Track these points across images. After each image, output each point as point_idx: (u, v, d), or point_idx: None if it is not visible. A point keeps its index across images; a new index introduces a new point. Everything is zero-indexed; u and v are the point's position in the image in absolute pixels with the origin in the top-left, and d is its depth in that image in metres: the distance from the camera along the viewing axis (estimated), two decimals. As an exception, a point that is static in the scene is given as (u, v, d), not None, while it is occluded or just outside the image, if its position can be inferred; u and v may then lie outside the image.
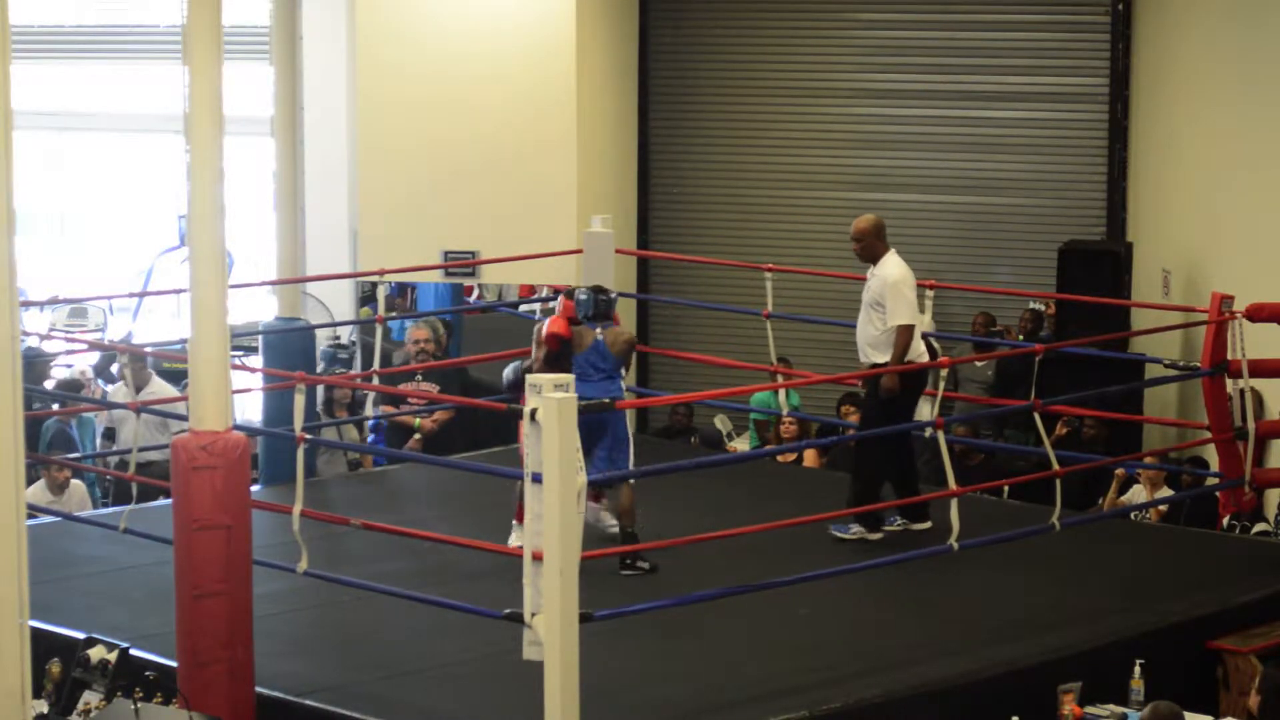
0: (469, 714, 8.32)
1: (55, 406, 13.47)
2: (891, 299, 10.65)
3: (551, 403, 7.63)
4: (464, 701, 8.43)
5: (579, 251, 13.69)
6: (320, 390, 13.02)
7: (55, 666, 8.49)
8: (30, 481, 11.39)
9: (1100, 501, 12.55)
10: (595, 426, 9.98)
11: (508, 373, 11.28)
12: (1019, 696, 8.62)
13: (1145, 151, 15.02)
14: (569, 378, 7.98)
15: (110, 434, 13.78)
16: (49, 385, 14.20)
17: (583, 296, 10.49)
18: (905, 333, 10.64)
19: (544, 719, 7.64)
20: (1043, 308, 15.09)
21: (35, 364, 14.26)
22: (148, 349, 13.40)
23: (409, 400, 13.33)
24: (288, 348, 12.47)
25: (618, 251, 13.33)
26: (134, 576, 10.27)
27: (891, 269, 10.75)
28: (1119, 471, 12.38)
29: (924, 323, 12.94)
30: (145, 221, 21.51)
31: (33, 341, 13.56)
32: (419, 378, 13.67)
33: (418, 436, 13.44)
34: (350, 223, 15.99)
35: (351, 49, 15.66)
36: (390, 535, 9.82)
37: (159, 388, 13.40)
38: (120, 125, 22.33)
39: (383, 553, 10.25)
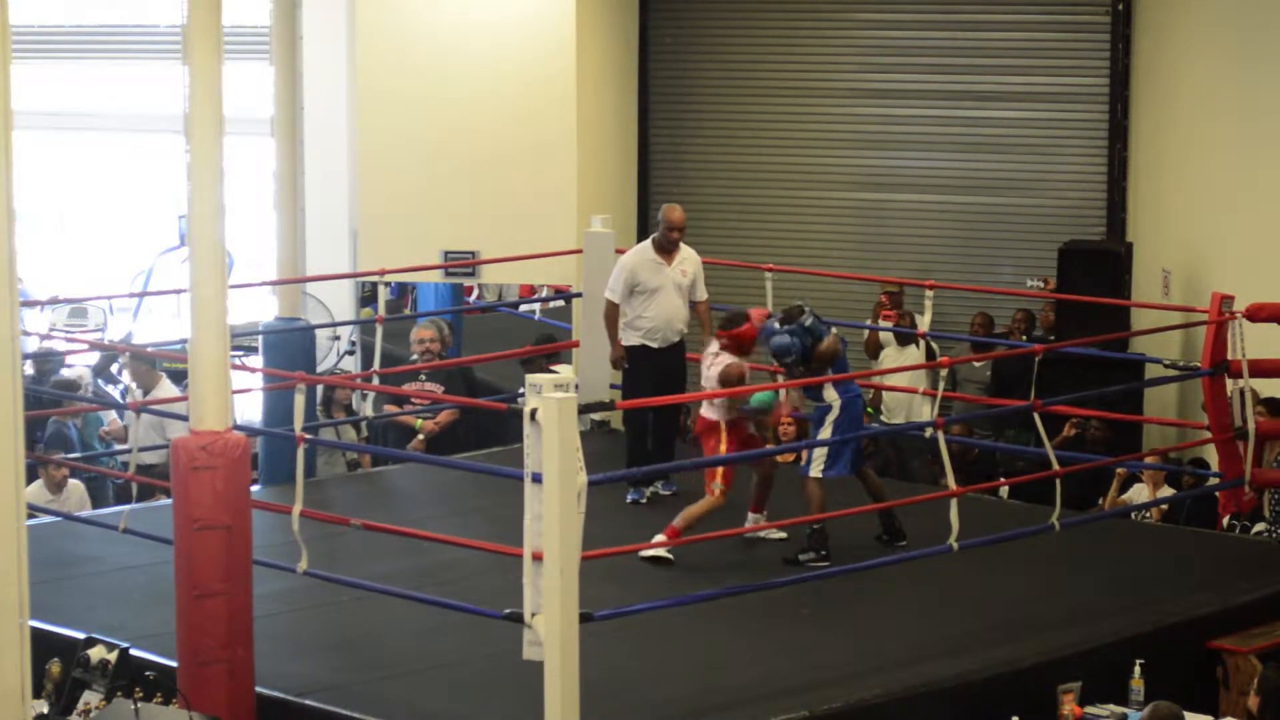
0: (469, 714, 8.32)
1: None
2: (701, 278, 11.80)
3: (552, 403, 7.63)
4: (464, 701, 8.43)
5: (579, 251, 13.69)
6: (320, 390, 13.01)
7: (55, 666, 8.50)
8: (28, 481, 11.39)
9: (1101, 501, 12.55)
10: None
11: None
12: (1019, 696, 8.62)
13: (1145, 151, 15.02)
14: (570, 378, 7.96)
15: (123, 430, 13.77)
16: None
17: (808, 322, 10.61)
18: (708, 305, 11.89)
19: (544, 719, 7.65)
20: (1041, 286, 15.03)
21: (43, 366, 14.28)
22: (148, 349, 13.39)
23: (412, 400, 13.32)
24: (288, 348, 12.47)
25: (618, 251, 13.30)
26: (134, 576, 10.27)
27: (693, 252, 11.88)
28: (1120, 470, 12.38)
29: (924, 323, 13.00)
30: (145, 221, 21.51)
31: (34, 343, 13.55)
32: (423, 377, 13.66)
33: (420, 438, 13.43)
34: (350, 223, 15.98)
35: (351, 49, 15.66)
36: (390, 535, 9.82)
37: (168, 390, 13.36)
38: (120, 125, 22.34)
39: (383, 553, 10.24)
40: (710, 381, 10.64)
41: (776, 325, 10.62)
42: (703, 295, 11.87)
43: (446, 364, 13.83)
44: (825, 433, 10.52)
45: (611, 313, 11.81)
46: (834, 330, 10.75)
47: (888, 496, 10.70)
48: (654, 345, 11.65)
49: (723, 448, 10.48)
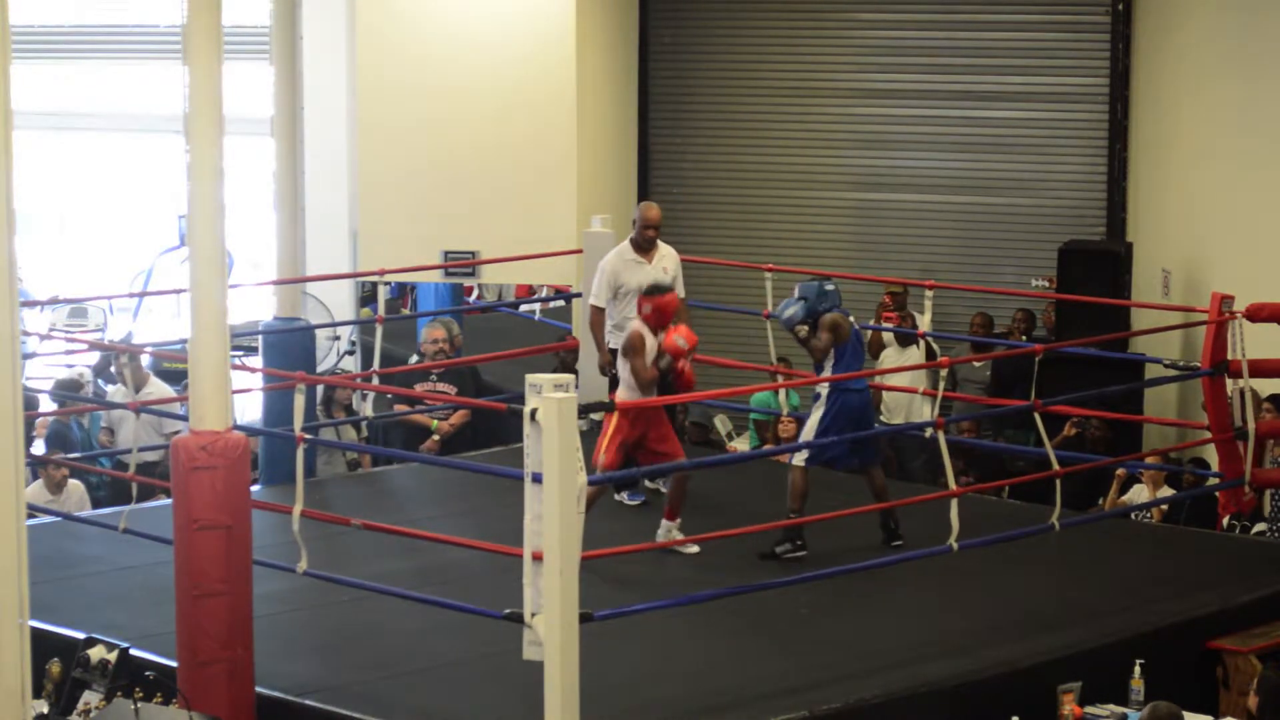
0: (469, 714, 8.32)
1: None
2: (680, 275, 11.65)
3: (552, 403, 7.63)
4: (464, 701, 8.43)
5: (579, 251, 13.69)
6: (320, 390, 13.02)
7: (55, 666, 8.51)
8: (28, 481, 11.38)
9: (1101, 501, 12.56)
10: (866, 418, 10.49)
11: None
12: (1019, 696, 8.62)
13: (1145, 151, 15.02)
14: (569, 377, 7.96)
15: (108, 433, 13.76)
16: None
17: (830, 287, 10.60)
18: (685, 302, 11.71)
19: (544, 719, 7.65)
20: (1046, 286, 15.03)
21: None
22: (147, 349, 13.41)
23: (423, 401, 13.31)
24: (288, 348, 12.47)
25: (618, 251, 13.31)
26: (134, 576, 10.26)
27: (672, 249, 11.77)
28: (1120, 471, 12.38)
29: (925, 323, 13.00)
30: (145, 221, 21.52)
31: (33, 343, 13.54)
32: (434, 378, 13.65)
33: (435, 438, 13.44)
34: (350, 223, 15.99)
35: (351, 49, 15.67)
36: (390, 535, 9.82)
37: (156, 389, 13.40)
38: (120, 125, 22.35)
39: (383, 553, 10.25)
40: (619, 361, 10.67)
41: (811, 281, 10.65)
42: (681, 293, 11.71)
43: (448, 364, 13.83)
44: (810, 422, 10.51)
45: (597, 318, 11.68)
46: (851, 318, 10.69)
47: (889, 498, 10.68)
48: None
49: (605, 438, 10.21)
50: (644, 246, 11.67)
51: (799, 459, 10.45)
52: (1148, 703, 8.05)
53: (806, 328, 10.53)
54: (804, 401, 14.75)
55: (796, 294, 10.65)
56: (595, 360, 11.87)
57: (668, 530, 10.50)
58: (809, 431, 10.51)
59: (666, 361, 10.41)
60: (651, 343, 10.46)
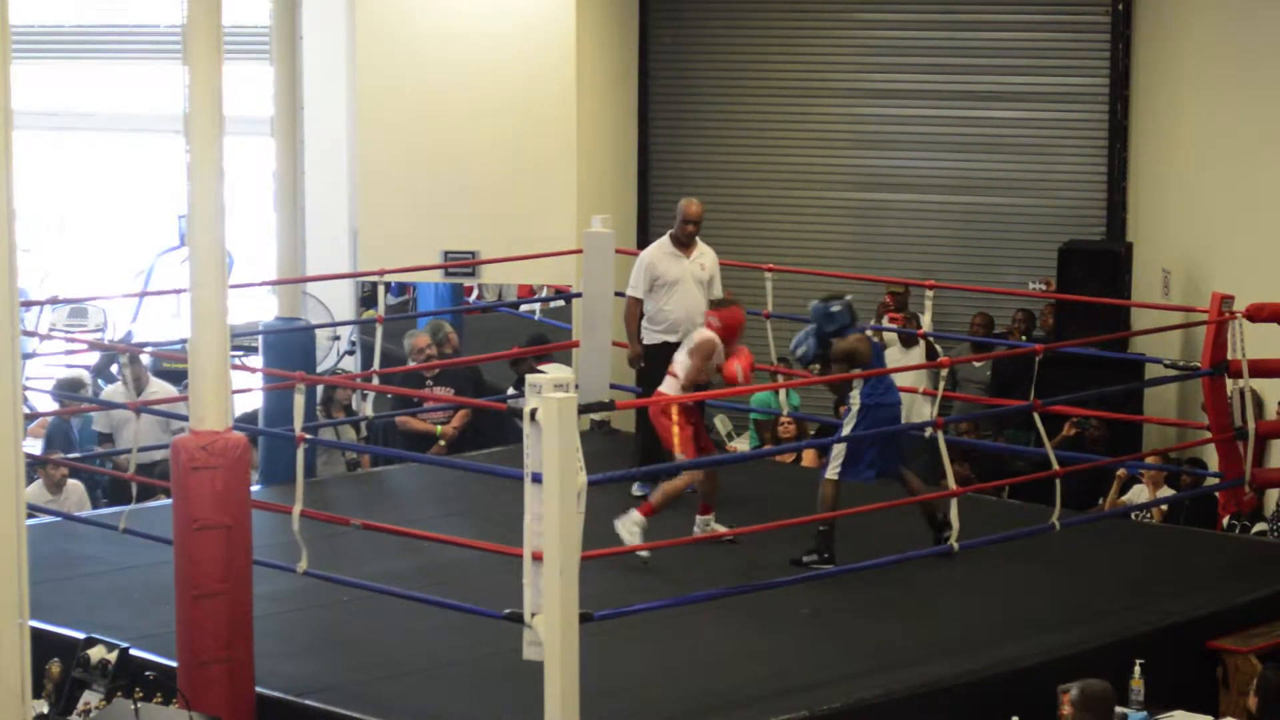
0: (469, 714, 8.32)
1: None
2: (718, 277, 11.76)
3: (552, 403, 7.63)
4: (464, 701, 8.43)
5: (579, 251, 13.68)
6: (320, 389, 13.01)
7: (55, 666, 8.50)
8: (27, 481, 11.36)
9: (1101, 501, 12.56)
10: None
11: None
12: (1019, 696, 8.62)
13: (1145, 151, 15.02)
14: (570, 377, 7.95)
15: (108, 439, 13.72)
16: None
17: (836, 308, 10.55)
18: None
19: (544, 719, 7.65)
20: (1043, 289, 15.03)
21: None
22: (147, 349, 13.39)
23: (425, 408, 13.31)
24: (288, 348, 12.47)
25: (618, 251, 13.33)
26: (134, 576, 10.27)
27: (711, 250, 11.82)
28: (1120, 471, 12.38)
29: (925, 323, 13.00)
30: (145, 221, 21.52)
31: (33, 343, 13.54)
32: (430, 383, 13.64)
33: (441, 443, 13.44)
34: (350, 223, 15.99)
35: (351, 49, 15.66)
36: (390, 535, 9.82)
37: (159, 388, 13.38)
38: (120, 125, 22.37)
39: (383, 553, 10.25)
40: (680, 356, 10.68)
41: (818, 303, 10.60)
42: (719, 294, 11.85)
43: (444, 364, 13.83)
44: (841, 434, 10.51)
45: (632, 309, 11.76)
46: (867, 332, 10.69)
47: (928, 500, 10.50)
48: (676, 341, 11.47)
49: (675, 431, 10.40)
50: (684, 242, 11.75)
51: (830, 473, 10.43)
52: (1148, 703, 8.05)
53: (819, 365, 10.55)
54: (804, 402, 14.78)
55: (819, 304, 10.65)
56: (596, 359, 11.88)
57: (704, 524, 10.60)
58: (839, 446, 10.45)
59: (717, 380, 10.57)
60: (719, 354, 10.58)
